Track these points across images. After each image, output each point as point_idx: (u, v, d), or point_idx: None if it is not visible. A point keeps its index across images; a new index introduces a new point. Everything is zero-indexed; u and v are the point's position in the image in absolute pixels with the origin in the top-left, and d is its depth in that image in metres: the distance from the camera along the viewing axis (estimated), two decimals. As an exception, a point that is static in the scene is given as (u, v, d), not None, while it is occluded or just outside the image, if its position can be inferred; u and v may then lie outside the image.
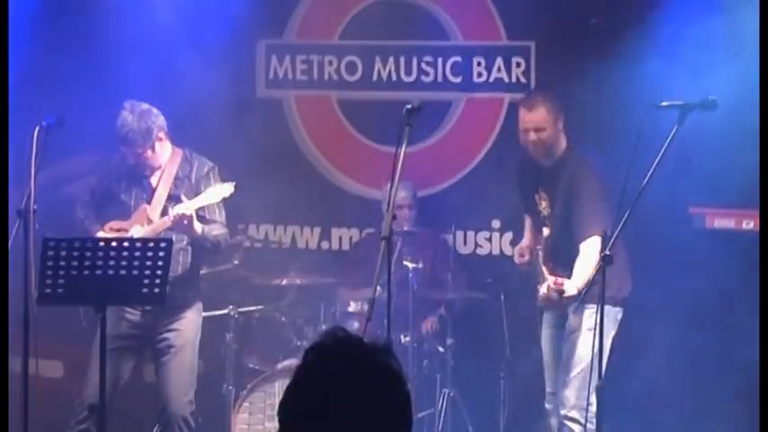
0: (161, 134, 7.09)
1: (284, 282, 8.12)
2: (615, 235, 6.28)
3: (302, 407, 2.56)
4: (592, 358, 6.62)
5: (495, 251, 8.74)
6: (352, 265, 8.46)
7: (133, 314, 7.11)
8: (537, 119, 7.09)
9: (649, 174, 6.07)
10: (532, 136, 7.11)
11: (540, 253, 7.05)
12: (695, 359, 7.92)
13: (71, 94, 8.04)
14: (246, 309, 8.10)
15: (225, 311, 7.95)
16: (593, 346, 6.55)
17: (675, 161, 6.67)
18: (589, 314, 6.80)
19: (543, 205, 7.19)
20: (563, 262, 6.93)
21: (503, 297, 8.19)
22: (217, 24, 8.33)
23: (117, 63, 8.24)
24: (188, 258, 7.20)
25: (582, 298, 6.62)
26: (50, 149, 6.53)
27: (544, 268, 6.96)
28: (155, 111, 7.08)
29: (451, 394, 8.01)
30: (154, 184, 7.19)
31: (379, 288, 6.43)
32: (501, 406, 8.15)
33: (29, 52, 8.15)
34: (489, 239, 8.76)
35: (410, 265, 7.94)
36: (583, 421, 6.82)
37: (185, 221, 6.89)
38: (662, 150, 5.97)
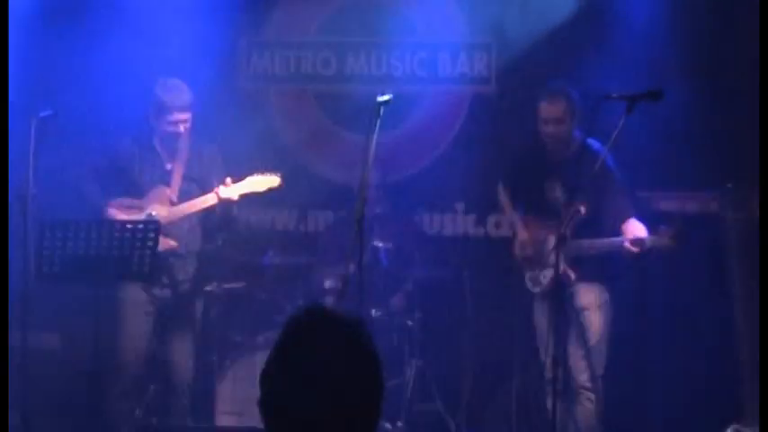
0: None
1: (263, 260, 8.12)
2: (570, 217, 6.32)
3: (282, 377, 2.56)
4: (603, 332, 7.07)
5: (460, 231, 8.76)
6: (327, 245, 8.46)
7: (165, 288, 7.21)
8: (557, 111, 7.06)
9: (600, 160, 6.10)
10: (551, 128, 7.08)
11: (551, 239, 7.01)
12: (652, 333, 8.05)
13: (66, 88, 8.03)
14: (230, 285, 8.08)
15: (210, 288, 7.93)
16: (606, 321, 6.83)
17: (624, 148, 6.72)
18: (599, 292, 7.10)
19: (556, 194, 7.15)
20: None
21: (466, 274, 8.20)
22: (203, 22, 8.32)
23: (107, 58, 8.20)
24: (198, 235, 7.32)
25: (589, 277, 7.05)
26: (47, 139, 6.54)
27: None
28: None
29: (419, 364, 8.01)
30: (168, 166, 7.19)
31: (352, 266, 6.45)
32: (465, 374, 8.18)
33: (27, 46, 8.11)
34: (454, 221, 8.78)
35: (381, 244, 7.95)
36: (596, 389, 7.00)
37: (228, 204, 7.04)
38: (612, 138, 6.00)
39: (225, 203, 7.02)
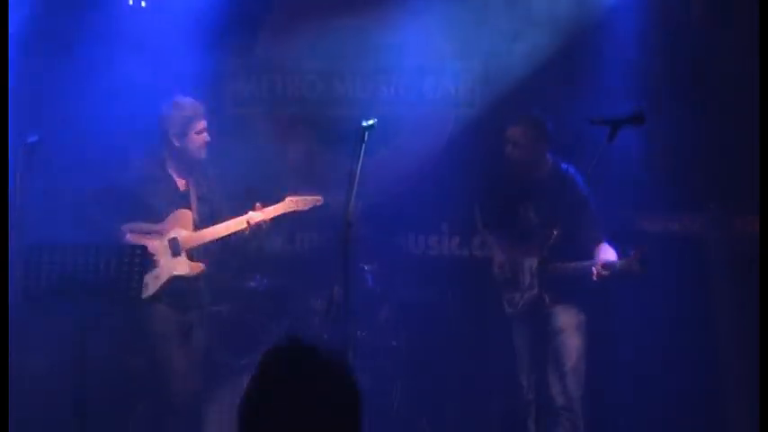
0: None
1: (252, 282, 8.08)
2: (553, 238, 6.30)
3: (261, 408, 2.56)
4: (580, 353, 7.10)
5: (445, 252, 8.75)
6: (313, 267, 8.42)
7: (192, 310, 7.23)
8: (515, 135, 7.21)
9: (575, 186, 6.10)
10: (514, 151, 7.23)
11: (527, 261, 7.02)
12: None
13: (60, 114, 8.02)
14: (217, 308, 8.04)
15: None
16: (583, 343, 6.83)
17: (608, 169, 6.70)
18: (575, 314, 7.12)
19: (530, 217, 7.18)
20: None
21: (451, 294, 8.18)
22: (193, 48, 8.31)
23: (97, 84, 8.19)
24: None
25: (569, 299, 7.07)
26: (35, 164, 6.50)
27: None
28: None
29: (404, 384, 7.99)
30: (181, 187, 7.14)
31: (337, 288, 6.42)
32: (449, 394, 8.15)
33: (20, 73, 8.07)
34: (438, 242, 8.76)
35: (366, 266, 7.93)
36: (575, 409, 6.98)
37: (258, 228, 7.07)
38: (593, 162, 5.98)
39: (256, 228, 6.97)
